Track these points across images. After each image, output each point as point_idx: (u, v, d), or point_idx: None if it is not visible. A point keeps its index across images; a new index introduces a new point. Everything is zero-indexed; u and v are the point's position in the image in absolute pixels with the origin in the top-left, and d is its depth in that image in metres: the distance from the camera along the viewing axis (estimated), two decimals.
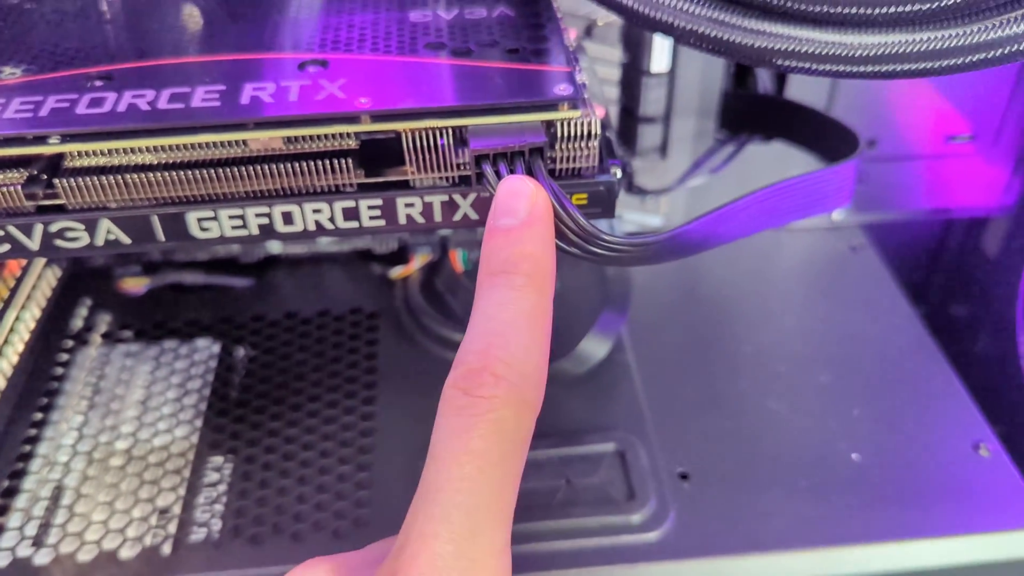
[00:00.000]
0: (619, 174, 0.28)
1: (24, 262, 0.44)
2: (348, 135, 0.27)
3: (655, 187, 0.46)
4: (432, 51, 0.30)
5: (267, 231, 0.29)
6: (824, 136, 0.40)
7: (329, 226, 0.29)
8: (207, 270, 0.47)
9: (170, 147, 0.27)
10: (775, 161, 0.46)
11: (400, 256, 0.47)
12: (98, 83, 0.28)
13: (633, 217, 0.49)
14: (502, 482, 0.22)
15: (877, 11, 0.23)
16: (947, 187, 0.51)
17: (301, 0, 0.34)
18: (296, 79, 0.28)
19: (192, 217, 0.28)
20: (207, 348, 0.44)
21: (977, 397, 0.42)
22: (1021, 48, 0.23)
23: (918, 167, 0.50)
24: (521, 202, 0.25)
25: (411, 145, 0.27)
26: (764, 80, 0.45)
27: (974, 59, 0.24)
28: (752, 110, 0.45)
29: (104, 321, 0.46)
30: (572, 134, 0.27)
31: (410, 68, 0.29)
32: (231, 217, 0.28)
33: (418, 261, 0.46)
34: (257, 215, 0.28)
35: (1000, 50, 0.23)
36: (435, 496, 0.21)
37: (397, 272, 0.47)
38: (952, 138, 0.48)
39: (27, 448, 0.39)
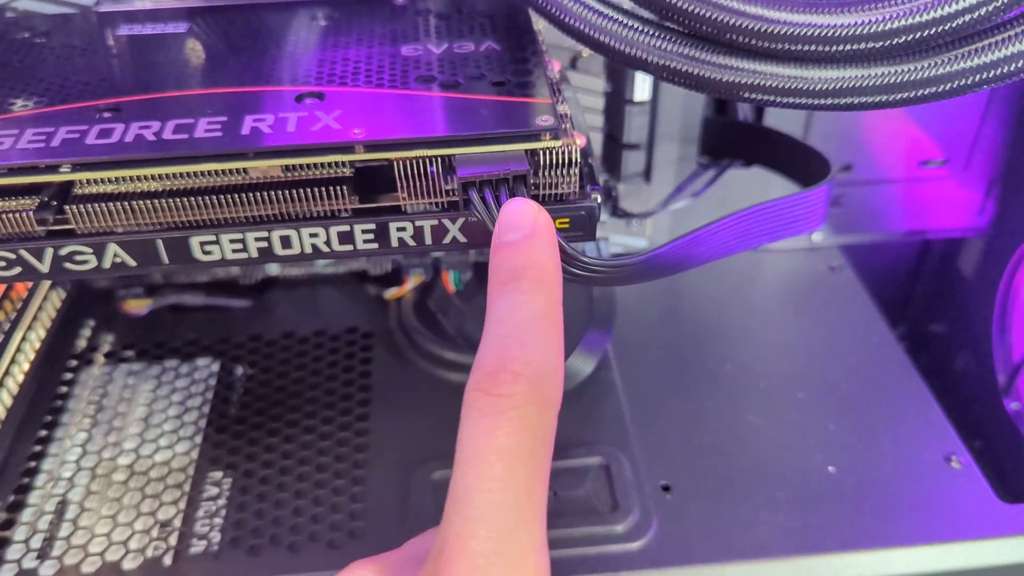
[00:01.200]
0: (599, 199, 0.30)
1: (30, 285, 0.45)
2: (343, 164, 0.29)
3: (640, 210, 0.48)
4: (423, 84, 0.31)
5: (266, 254, 0.30)
6: (799, 162, 0.42)
7: (325, 249, 0.30)
8: (207, 292, 0.49)
9: (174, 175, 0.28)
10: (756, 185, 0.48)
11: (394, 277, 0.49)
12: (106, 115, 0.30)
13: (620, 239, 0.50)
14: (533, 478, 0.22)
15: (834, 48, 0.25)
16: (922, 210, 0.52)
17: (299, 35, 0.36)
18: (294, 111, 0.30)
19: (195, 241, 0.29)
20: (207, 367, 0.45)
21: (956, 413, 0.43)
22: (967, 82, 0.25)
23: (893, 190, 0.51)
24: (524, 219, 0.26)
25: (402, 173, 0.29)
26: (744, 108, 0.47)
27: (925, 92, 0.25)
28: (732, 137, 0.47)
29: (107, 341, 0.47)
30: (554, 162, 0.29)
31: (402, 100, 0.31)
32: (232, 241, 0.30)
33: (412, 282, 0.48)
34: (257, 239, 0.30)
35: (949, 84, 0.25)
36: (468, 498, 0.21)
37: (391, 293, 0.48)
38: (925, 163, 0.50)
39: (32, 464, 0.40)
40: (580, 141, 0.30)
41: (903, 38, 0.24)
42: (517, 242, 0.25)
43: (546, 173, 0.29)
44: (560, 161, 0.29)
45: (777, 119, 0.47)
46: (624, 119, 0.45)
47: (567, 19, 0.28)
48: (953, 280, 0.56)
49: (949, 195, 0.52)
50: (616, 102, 0.45)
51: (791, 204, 0.35)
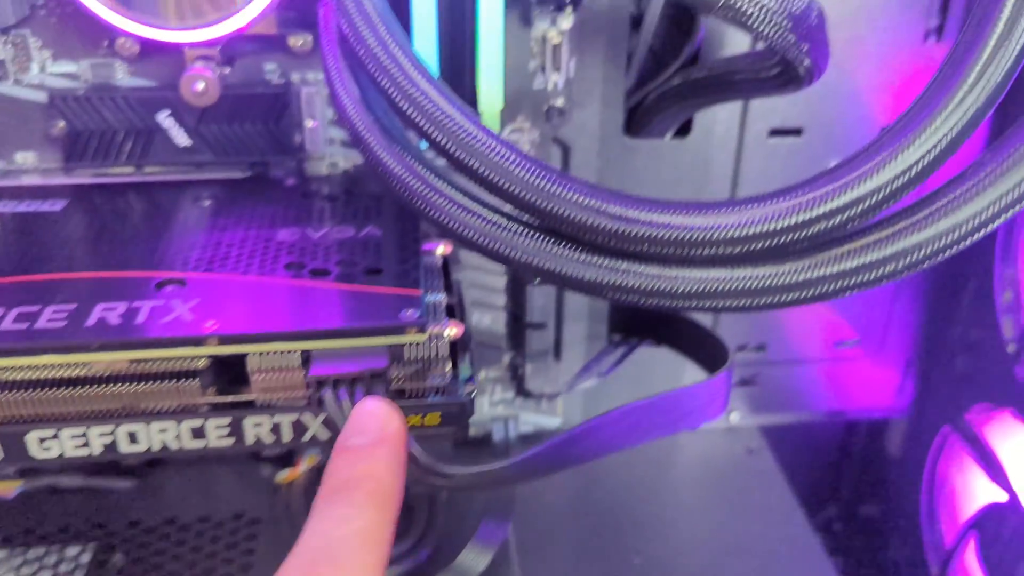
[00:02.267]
0: (473, 393, 0.29)
1: None
2: (196, 356, 0.27)
3: (549, 390, 0.47)
4: (291, 271, 0.30)
5: (111, 450, 0.28)
6: (702, 346, 0.40)
7: (175, 446, 0.28)
8: (86, 472, 0.46)
9: (10, 368, 0.27)
10: (672, 361, 0.47)
11: (289, 458, 0.46)
12: None
13: (531, 419, 0.49)
14: None
15: (693, 251, 0.24)
16: (841, 390, 0.52)
17: (179, 217, 0.35)
18: (150, 299, 0.29)
19: (32, 437, 0.27)
20: (74, 559, 0.42)
21: None
22: (829, 289, 0.24)
23: (810, 371, 0.51)
24: (373, 422, 0.24)
25: (257, 367, 0.27)
26: None
27: (788, 298, 0.25)
28: (639, 317, 0.46)
29: None
30: (420, 356, 0.28)
31: (265, 289, 0.29)
32: (73, 437, 0.28)
33: (305, 464, 0.45)
34: (101, 435, 0.28)
35: (811, 290, 0.24)
36: None
37: (282, 476, 0.45)
38: (840, 343, 0.50)
39: None
40: (454, 331, 0.29)
41: (760, 244, 0.24)
42: (360, 448, 0.24)
43: (412, 368, 0.28)
44: (427, 355, 0.28)
45: None
46: (526, 299, 0.44)
47: (431, 212, 0.27)
48: (880, 461, 0.55)
49: (867, 375, 0.51)
50: (517, 282, 0.44)
51: (687, 395, 0.33)
